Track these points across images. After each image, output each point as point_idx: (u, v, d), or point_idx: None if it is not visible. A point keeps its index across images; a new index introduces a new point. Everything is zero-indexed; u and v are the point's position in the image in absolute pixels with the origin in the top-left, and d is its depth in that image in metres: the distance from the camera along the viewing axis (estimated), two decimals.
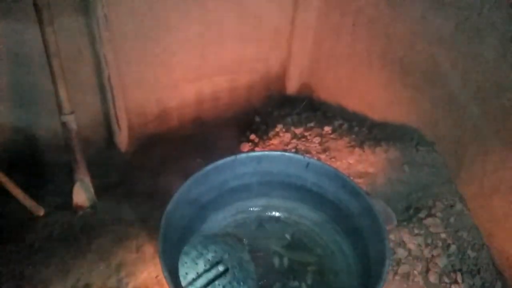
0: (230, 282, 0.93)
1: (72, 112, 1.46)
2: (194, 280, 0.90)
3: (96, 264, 1.42)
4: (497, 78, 1.43)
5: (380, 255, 1.06)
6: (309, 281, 1.25)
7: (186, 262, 0.92)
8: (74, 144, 1.47)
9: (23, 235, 1.49)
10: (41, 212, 1.55)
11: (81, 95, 1.67)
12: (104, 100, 1.73)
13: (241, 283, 0.93)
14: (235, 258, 0.95)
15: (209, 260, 0.93)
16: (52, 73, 1.40)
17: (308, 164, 1.32)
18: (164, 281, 0.96)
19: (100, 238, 1.50)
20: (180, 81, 1.88)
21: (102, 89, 1.69)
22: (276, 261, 1.30)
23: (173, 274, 1.05)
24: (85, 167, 1.53)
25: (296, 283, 1.24)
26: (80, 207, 1.57)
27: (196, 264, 0.92)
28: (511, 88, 1.38)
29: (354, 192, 1.24)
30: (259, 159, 1.34)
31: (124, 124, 1.78)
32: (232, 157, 1.30)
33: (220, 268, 0.93)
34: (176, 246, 1.17)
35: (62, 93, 1.42)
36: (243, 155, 1.32)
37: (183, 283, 0.89)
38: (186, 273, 0.92)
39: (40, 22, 1.33)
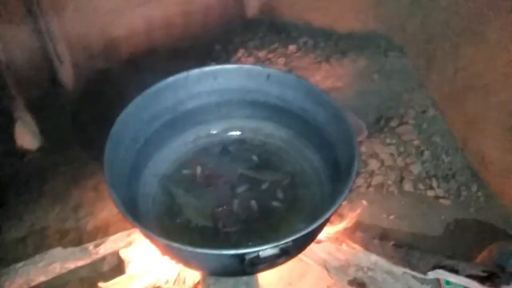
0: None
1: None
2: None
3: (51, 207, 1.32)
4: None
5: (350, 157, 0.99)
6: (280, 196, 1.18)
7: None
8: (5, 77, 1.31)
9: None
10: None
11: (9, 27, 1.47)
12: (38, 32, 1.53)
13: None
14: None
15: None
16: None
17: (268, 75, 1.20)
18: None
19: (53, 181, 1.39)
20: (124, 4, 1.68)
21: (33, 18, 1.49)
22: (241, 183, 1.21)
23: (129, 205, 0.95)
24: (23, 104, 1.39)
25: (268, 202, 1.17)
26: (27, 150, 1.44)
27: None
28: None
29: (319, 99, 1.14)
30: (214, 74, 1.21)
31: (66, 58, 1.61)
32: (184, 73, 1.16)
33: None
34: (133, 172, 1.07)
35: None
36: (197, 71, 1.18)
37: None
38: None
39: None
